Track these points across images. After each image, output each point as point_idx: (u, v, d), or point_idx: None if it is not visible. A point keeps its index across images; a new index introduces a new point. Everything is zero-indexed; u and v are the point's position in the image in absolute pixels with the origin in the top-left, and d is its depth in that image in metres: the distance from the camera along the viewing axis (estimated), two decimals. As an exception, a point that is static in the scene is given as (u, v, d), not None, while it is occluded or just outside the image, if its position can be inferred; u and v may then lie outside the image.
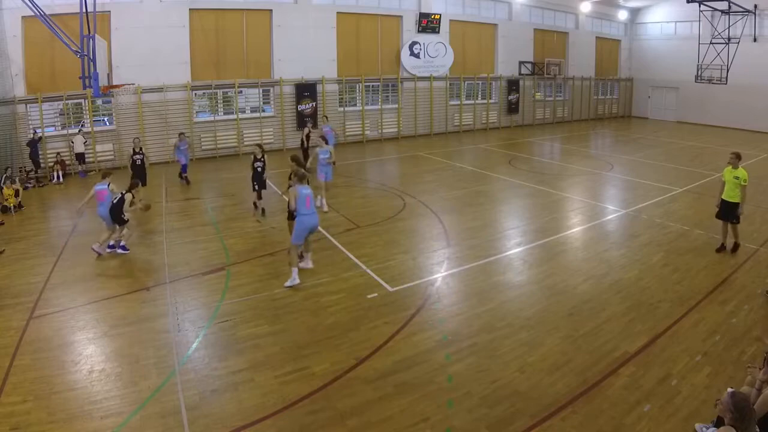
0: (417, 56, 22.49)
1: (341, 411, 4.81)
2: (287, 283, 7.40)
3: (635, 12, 31.11)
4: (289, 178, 8.27)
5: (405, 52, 22.16)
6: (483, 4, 24.81)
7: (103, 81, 12.21)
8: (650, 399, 4.92)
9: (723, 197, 8.68)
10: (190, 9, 17.13)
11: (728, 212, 8.65)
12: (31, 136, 14.65)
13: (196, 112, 18.29)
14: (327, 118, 17.32)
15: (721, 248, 8.88)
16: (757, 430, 3.56)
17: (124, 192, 8.83)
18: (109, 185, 8.92)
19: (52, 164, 14.93)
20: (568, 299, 7.09)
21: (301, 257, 7.91)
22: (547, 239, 9.57)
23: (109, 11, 15.58)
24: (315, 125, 18.50)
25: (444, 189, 13.15)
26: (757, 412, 3.69)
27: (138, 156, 12.34)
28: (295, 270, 7.47)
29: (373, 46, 21.68)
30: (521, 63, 26.48)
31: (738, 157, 8.61)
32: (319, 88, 19.87)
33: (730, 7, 23.09)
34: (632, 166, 16.79)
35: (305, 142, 15.81)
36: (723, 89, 24.74)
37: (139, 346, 5.92)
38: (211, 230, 10.12)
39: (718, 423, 3.87)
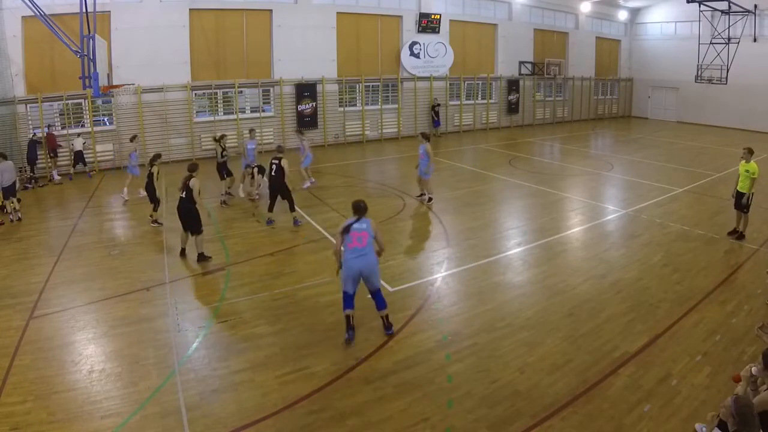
0: (417, 56, 22.47)
1: (341, 411, 4.81)
2: None
3: (635, 12, 31.08)
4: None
5: (405, 52, 22.14)
6: (483, 4, 24.78)
7: (103, 81, 12.17)
8: (650, 399, 4.92)
9: (737, 188, 9.41)
10: (190, 9, 17.11)
11: (739, 202, 9.33)
12: (31, 136, 14.63)
13: (196, 112, 18.27)
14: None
15: (733, 231, 9.57)
16: None
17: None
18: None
19: (51, 164, 14.90)
20: (568, 299, 7.09)
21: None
22: (547, 239, 9.57)
23: (109, 11, 15.56)
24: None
25: (444, 189, 13.14)
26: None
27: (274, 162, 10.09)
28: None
29: (373, 46, 21.66)
30: (521, 63, 26.45)
31: (750, 151, 9.35)
32: (319, 88, 19.84)
33: (730, 7, 23.07)
34: (632, 166, 16.79)
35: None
36: (723, 89, 24.71)
37: (138, 346, 5.92)
38: (211, 230, 10.11)
39: (721, 426, 3.86)
